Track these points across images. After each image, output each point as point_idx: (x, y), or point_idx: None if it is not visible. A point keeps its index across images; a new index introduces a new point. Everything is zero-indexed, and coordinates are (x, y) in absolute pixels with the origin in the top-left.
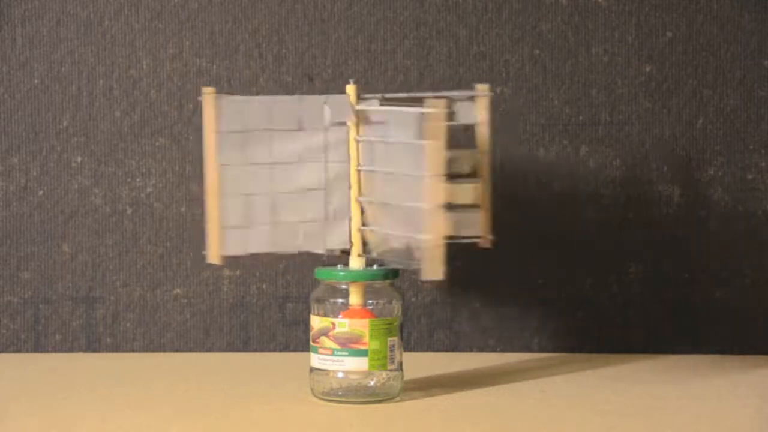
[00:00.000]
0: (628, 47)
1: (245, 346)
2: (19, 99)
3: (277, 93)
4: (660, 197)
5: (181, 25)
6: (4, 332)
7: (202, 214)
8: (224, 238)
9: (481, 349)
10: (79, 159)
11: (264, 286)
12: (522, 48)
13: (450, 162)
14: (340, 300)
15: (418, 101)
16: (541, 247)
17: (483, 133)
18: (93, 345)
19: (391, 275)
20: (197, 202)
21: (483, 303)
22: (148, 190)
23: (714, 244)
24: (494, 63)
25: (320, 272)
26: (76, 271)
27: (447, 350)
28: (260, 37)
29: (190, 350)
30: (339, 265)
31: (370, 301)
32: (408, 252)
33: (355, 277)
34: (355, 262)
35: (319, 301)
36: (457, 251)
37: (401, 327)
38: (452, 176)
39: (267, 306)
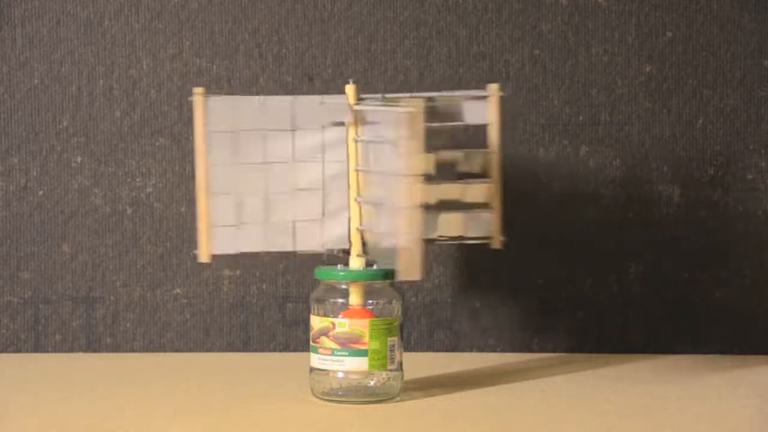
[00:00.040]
0: (628, 47)
1: (245, 346)
2: (19, 99)
3: (277, 93)
4: (660, 197)
5: (181, 25)
6: (4, 332)
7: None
8: (213, 237)
9: (481, 349)
10: (79, 159)
11: (264, 286)
12: (522, 48)
13: (460, 162)
14: (340, 300)
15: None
16: (541, 247)
17: (493, 133)
18: (93, 345)
19: (391, 275)
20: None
21: (483, 303)
22: (148, 190)
23: (714, 244)
24: (494, 63)
25: (320, 272)
26: (76, 271)
27: (447, 350)
28: (260, 37)
29: (190, 350)
30: (339, 265)
31: (370, 301)
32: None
33: (355, 277)
34: (355, 262)
35: (319, 301)
36: (457, 251)
37: (401, 327)
38: (463, 176)
39: (267, 306)
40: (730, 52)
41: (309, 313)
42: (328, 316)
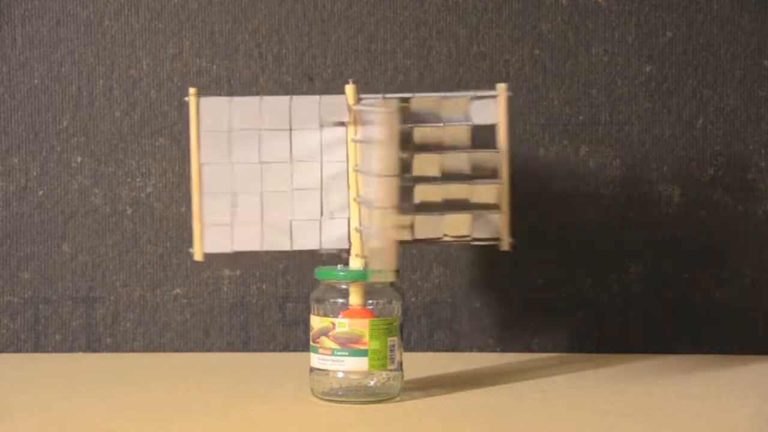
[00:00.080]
0: (628, 47)
1: (245, 346)
2: (19, 99)
3: (277, 93)
4: (660, 197)
5: (181, 25)
6: (4, 332)
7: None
8: (208, 236)
9: (481, 349)
10: (79, 159)
11: (264, 286)
12: (522, 48)
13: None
14: (340, 300)
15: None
16: (541, 247)
17: (502, 133)
18: (93, 345)
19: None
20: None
21: (483, 303)
22: (148, 190)
23: (714, 244)
24: (494, 63)
25: (320, 272)
26: (76, 271)
27: (447, 350)
28: (260, 37)
29: (190, 350)
30: (339, 265)
31: (370, 301)
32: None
33: (355, 277)
34: (355, 262)
35: (319, 301)
36: (457, 251)
37: (401, 327)
38: (472, 176)
39: (267, 306)
40: (730, 52)
41: (309, 313)
42: (328, 316)
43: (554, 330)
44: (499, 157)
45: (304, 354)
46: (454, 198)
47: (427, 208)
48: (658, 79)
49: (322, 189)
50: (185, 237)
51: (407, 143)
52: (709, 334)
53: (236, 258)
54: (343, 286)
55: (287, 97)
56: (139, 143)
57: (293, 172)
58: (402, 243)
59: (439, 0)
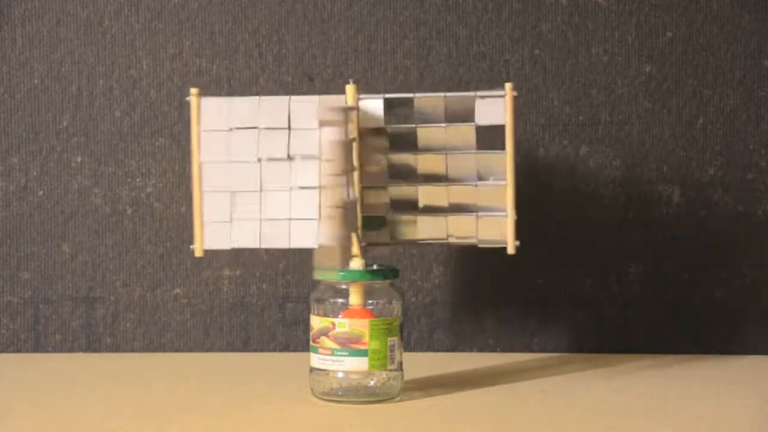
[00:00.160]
0: (628, 47)
1: (245, 346)
2: (19, 99)
3: (277, 93)
4: (660, 197)
5: (181, 25)
6: (4, 332)
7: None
8: (206, 233)
9: (481, 349)
10: (79, 159)
11: (264, 286)
12: (522, 48)
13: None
14: (340, 300)
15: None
16: (541, 247)
17: (507, 133)
18: (93, 345)
19: (391, 275)
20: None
21: (483, 303)
22: (148, 190)
23: (714, 244)
24: (494, 63)
25: (320, 272)
26: (76, 271)
27: (447, 350)
28: (260, 37)
29: (190, 350)
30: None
31: (370, 301)
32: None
33: (355, 277)
34: (355, 262)
35: (319, 301)
36: (457, 251)
37: (401, 327)
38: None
39: (267, 306)
40: (730, 52)
41: (309, 313)
42: (328, 316)
43: (554, 330)
44: (505, 158)
45: (304, 354)
46: (459, 201)
47: (431, 209)
48: (658, 79)
49: (320, 188)
50: (185, 237)
51: (411, 145)
52: (709, 334)
53: (237, 257)
54: (343, 286)
55: (286, 98)
56: (139, 143)
57: (291, 170)
58: (403, 244)
59: (439, 0)
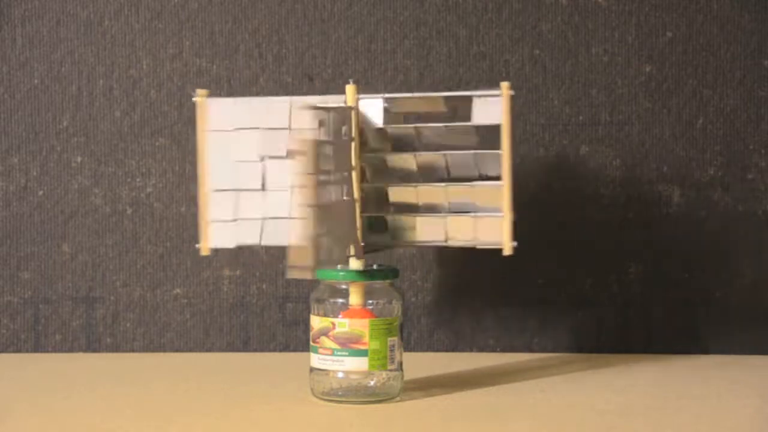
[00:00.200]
0: (628, 47)
1: (245, 346)
2: (19, 99)
3: (277, 93)
4: (660, 197)
5: (181, 25)
6: (4, 332)
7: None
8: (212, 232)
9: (481, 349)
10: (79, 159)
11: (264, 286)
12: (522, 48)
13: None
14: (340, 300)
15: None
16: (541, 247)
17: (504, 133)
18: (93, 345)
19: (391, 275)
20: (197, 201)
21: (483, 303)
22: (148, 190)
23: (714, 244)
24: (494, 63)
25: (320, 272)
26: (76, 271)
27: (447, 350)
28: (260, 37)
29: (190, 350)
30: (339, 265)
31: (370, 301)
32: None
33: (355, 277)
34: (355, 262)
35: (319, 301)
36: (456, 251)
37: (401, 327)
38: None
39: (267, 306)
40: (730, 52)
41: (309, 313)
42: (328, 316)
43: (554, 330)
44: (502, 157)
45: (304, 354)
46: (456, 200)
47: (430, 209)
48: (658, 79)
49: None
50: (185, 237)
51: (410, 144)
52: (709, 334)
53: (237, 256)
54: (343, 286)
55: (288, 98)
56: (139, 143)
57: (292, 170)
58: (402, 246)
59: (439, 0)
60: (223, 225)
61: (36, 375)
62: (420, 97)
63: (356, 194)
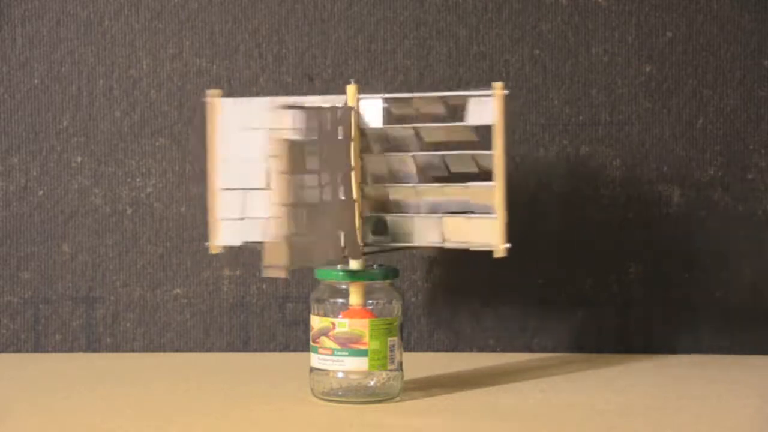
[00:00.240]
0: (628, 47)
1: (245, 346)
2: (19, 99)
3: (277, 93)
4: (660, 197)
5: (181, 25)
6: (4, 332)
7: (203, 213)
8: (221, 230)
9: (481, 349)
10: (79, 159)
11: (264, 286)
12: (522, 48)
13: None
14: (340, 300)
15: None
16: (540, 247)
17: (497, 133)
18: (93, 345)
19: (391, 275)
20: (197, 201)
21: (483, 303)
22: (148, 190)
23: (714, 244)
24: (494, 63)
25: (320, 272)
26: (76, 271)
27: (447, 350)
28: (260, 37)
29: (190, 350)
30: (339, 265)
31: (370, 301)
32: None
33: (355, 277)
34: (355, 262)
35: (319, 301)
36: (456, 250)
37: (401, 327)
38: (466, 177)
39: (267, 306)
40: (730, 52)
41: (309, 313)
42: (328, 316)
43: (554, 330)
44: (495, 158)
45: (304, 354)
46: (449, 199)
47: (428, 207)
48: (658, 79)
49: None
50: (185, 237)
51: (408, 144)
52: (709, 334)
53: (239, 256)
54: (343, 286)
55: (293, 99)
56: (139, 143)
57: None
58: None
59: (439, 0)
60: (231, 223)
61: (36, 375)
62: (419, 98)
63: (355, 194)
